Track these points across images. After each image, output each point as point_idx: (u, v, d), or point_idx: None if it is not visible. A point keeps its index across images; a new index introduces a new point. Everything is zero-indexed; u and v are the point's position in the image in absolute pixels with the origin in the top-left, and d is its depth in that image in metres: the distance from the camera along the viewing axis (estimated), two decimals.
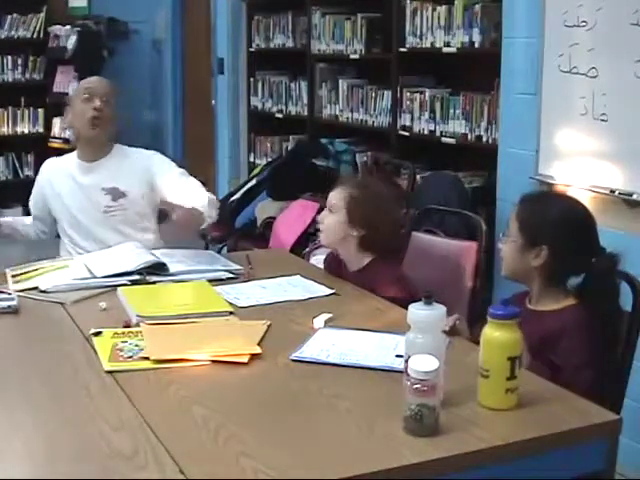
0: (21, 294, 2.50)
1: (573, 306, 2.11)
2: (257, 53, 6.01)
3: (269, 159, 5.75)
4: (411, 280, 2.58)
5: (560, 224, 2.12)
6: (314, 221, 4.36)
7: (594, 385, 1.96)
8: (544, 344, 2.01)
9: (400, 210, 2.71)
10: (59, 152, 6.77)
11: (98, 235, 3.13)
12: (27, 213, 3.37)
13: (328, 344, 2.10)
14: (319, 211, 4.37)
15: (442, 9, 4.11)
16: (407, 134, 4.43)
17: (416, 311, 1.74)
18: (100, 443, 1.60)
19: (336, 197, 2.68)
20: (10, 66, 6.96)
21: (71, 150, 3.30)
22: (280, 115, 5.75)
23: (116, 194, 3.13)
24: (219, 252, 3.61)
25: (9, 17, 6.89)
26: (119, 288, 2.57)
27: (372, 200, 2.62)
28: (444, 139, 4.19)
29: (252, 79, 6.07)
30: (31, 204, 3.32)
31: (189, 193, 2.99)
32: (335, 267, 2.80)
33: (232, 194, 5.23)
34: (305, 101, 5.43)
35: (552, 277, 2.14)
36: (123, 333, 2.19)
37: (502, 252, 2.22)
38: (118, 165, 3.16)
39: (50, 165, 3.31)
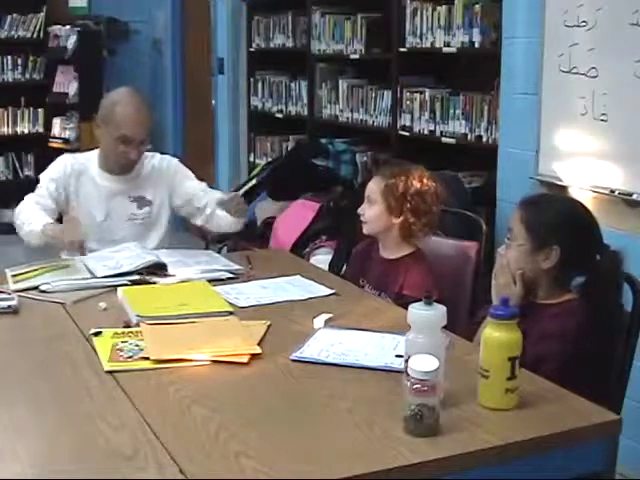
0: (21, 294, 2.50)
1: (574, 300, 2.12)
2: (257, 53, 6.01)
3: (269, 159, 5.75)
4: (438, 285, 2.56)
5: (568, 223, 2.12)
6: (314, 221, 4.37)
7: (597, 380, 1.97)
8: (543, 337, 2.01)
9: (441, 189, 2.73)
10: (59, 152, 6.79)
11: (116, 239, 3.04)
12: None
13: (328, 344, 2.10)
14: (319, 211, 4.42)
15: (442, 9, 4.11)
16: (407, 134, 4.43)
17: (416, 311, 1.74)
18: (100, 443, 1.61)
19: (372, 188, 2.69)
20: (10, 66, 6.96)
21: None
22: (280, 115, 5.75)
23: (142, 202, 3.12)
24: (219, 252, 3.61)
25: (9, 17, 6.89)
26: (119, 288, 2.57)
27: (409, 186, 2.64)
28: (444, 139, 4.18)
29: (252, 79, 6.07)
30: (53, 186, 3.10)
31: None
32: (366, 255, 2.81)
33: None
34: (305, 101, 5.43)
35: (559, 278, 2.13)
36: (123, 333, 2.19)
37: (505, 260, 2.17)
38: (143, 174, 3.14)
39: (73, 162, 3.15)
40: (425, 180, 2.69)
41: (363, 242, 2.89)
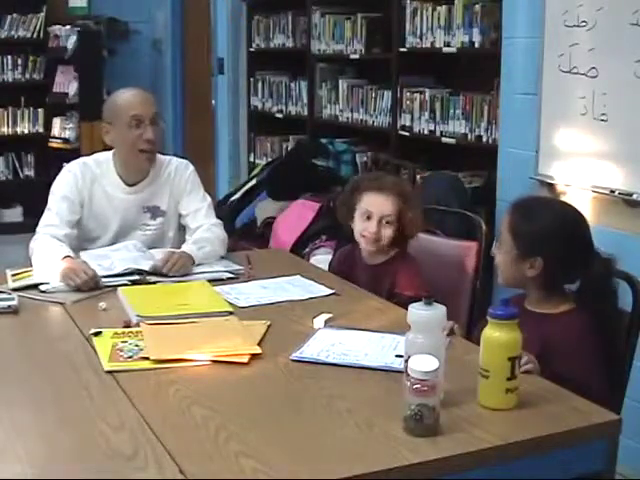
0: (21, 294, 2.50)
1: (572, 311, 2.10)
2: (257, 53, 6.01)
3: (269, 159, 5.75)
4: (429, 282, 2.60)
5: (553, 235, 2.10)
6: (314, 221, 4.37)
7: (601, 390, 1.96)
8: (545, 352, 1.99)
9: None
10: (59, 152, 6.79)
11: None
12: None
13: (328, 344, 2.10)
14: (319, 211, 4.42)
15: (442, 9, 4.11)
16: (407, 134, 4.43)
17: (416, 311, 1.74)
18: (100, 443, 1.60)
19: (388, 208, 2.63)
20: (10, 66, 6.95)
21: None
22: (280, 115, 5.75)
23: (156, 213, 3.00)
24: None
25: (9, 17, 6.88)
26: (119, 288, 2.57)
27: (415, 209, 2.67)
28: (444, 139, 4.19)
29: (252, 79, 6.07)
30: (65, 207, 2.91)
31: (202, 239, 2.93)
32: (350, 260, 2.80)
33: (232, 194, 5.24)
34: (305, 101, 5.43)
35: (548, 285, 2.12)
36: (123, 333, 2.19)
37: (496, 261, 2.20)
38: (160, 182, 3.00)
39: (84, 169, 2.97)
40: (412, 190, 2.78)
41: (342, 249, 2.87)
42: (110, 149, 3.03)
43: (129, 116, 2.87)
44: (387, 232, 2.64)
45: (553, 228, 2.11)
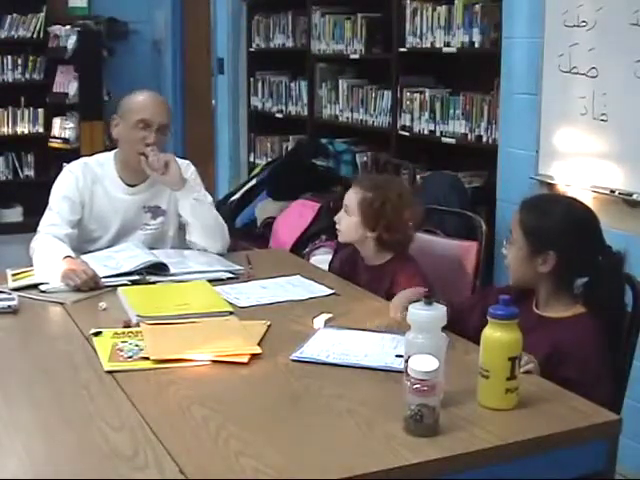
0: (21, 294, 2.50)
1: (583, 315, 2.08)
2: (257, 53, 6.01)
3: (269, 159, 5.75)
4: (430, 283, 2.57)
5: (565, 227, 2.09)
6: (314, 221, 4.37)
7: (609, 394, 1.95)
8: (554, 355, 1.98)
9: (418, 207, 2.71)
10: (59, 152, 6.78)
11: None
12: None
13: (328, 344, 2.10)
14: (319, 211, 4.42)
15: (442, 9, 4.11)
16: (407, 134, 4.43)
17: (416, 311, 1.74)
18: (100, 443, 1.60)
19: (350, 198, 2.66)
20: (10, 66, 6.95)
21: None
22: (280, 115, 5.75)
23: (157, 213, 3.01)
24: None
25: (9, 17, 6.88)
26: (119, 288, 2.57)
27: (386, 202, 2.59)
28: (444, 139, 4.19)
29: (252, 79, 6.07)
30: (66, 207, 2.92)
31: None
32: (351, 261, 2.80)
33: (232, 194, 5.24)
34: (305, 101, 5.43)
35: (560, 282, 2.11)
36: (123, 333, 2.19)
37: (507, 260, 2.18)
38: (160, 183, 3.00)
39: (84, 170, 2.98)
40: (404, 196, 2.65)
41: (346, 249, 2.87)
42: (110, 149, 3.05)
43: (137, 119, 2.88)
44: (344, 221, 2.67)
45: (563, 221, 2.11)
